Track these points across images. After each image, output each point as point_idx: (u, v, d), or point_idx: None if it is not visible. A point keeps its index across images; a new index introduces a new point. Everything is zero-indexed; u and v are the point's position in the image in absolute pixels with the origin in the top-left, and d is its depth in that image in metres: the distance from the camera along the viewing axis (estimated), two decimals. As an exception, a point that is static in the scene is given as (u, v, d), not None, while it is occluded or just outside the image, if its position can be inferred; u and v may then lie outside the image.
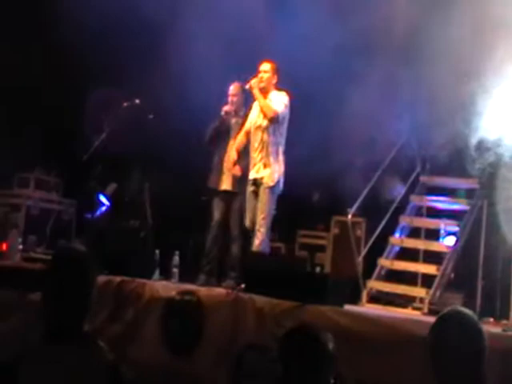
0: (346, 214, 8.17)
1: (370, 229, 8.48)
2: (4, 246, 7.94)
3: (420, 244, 8.00)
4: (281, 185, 7.14)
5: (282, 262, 6.92)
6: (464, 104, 7.06)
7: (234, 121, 7.70)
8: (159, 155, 8.50)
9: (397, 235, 8.07)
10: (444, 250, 7.65)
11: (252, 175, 7.19)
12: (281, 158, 7.16)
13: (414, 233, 8.17)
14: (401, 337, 5.38)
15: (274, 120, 7.07)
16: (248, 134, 7.34)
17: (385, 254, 7.96)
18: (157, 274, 7.31)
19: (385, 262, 7.86)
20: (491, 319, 6.87)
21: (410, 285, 7.62)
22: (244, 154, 7.39)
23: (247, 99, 7.56)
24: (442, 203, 8.15)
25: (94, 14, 8.16)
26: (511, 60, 6.77)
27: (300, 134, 7.54)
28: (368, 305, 7.27)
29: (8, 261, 7.66)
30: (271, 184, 7.07)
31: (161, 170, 8.59)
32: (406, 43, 7.46)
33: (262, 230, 7.02)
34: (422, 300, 7.30)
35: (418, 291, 7.50)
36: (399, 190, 8.34)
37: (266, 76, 7.18)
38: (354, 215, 8.16)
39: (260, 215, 7.03)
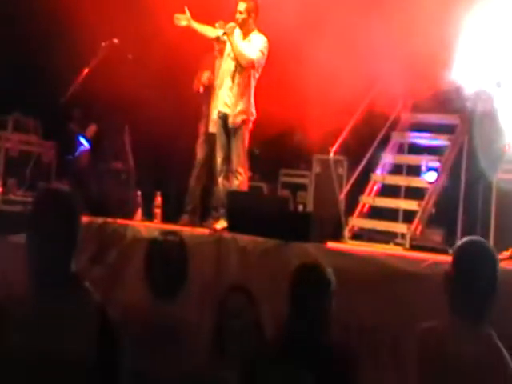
0: (327, 153, 8.16)
1: (351, 167, 8.47)
2: (-17, 189, 7.90)
3: (401, 180, 8.02)
4: (250, 124, 7.10)
5: (265, 201, 6.94)
6: (444, 41, 7.03)
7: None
8: (139, 96, 8.41)
9: (378, 172, 8.08)
10: (425, 185, 7.67)
11: (221, 108, 7.11)
12: (252, 100, 7.09)
13: (396, 169, 8.18)
14: (385, 273, 5.43)
15: (248, 67, 7.00)
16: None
17: (367, 191, 7.97)
18: (139, 214, 7.31)
19: (367, 199, 7.89)
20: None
21: (391, 221, 7.67)
22: None
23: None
24: (423, 139, 8.15)
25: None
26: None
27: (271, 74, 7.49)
28: (350, 242, 7.32)
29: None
30: (241, 123, 7.01)
31: (141, 111, 8.51)
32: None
33: (241, 169, 7.00)
34: (403, 236, 7.36)
35: (400, 227, 7.55)
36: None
37: (241, 17, 7.04)
38: (335, 153, 8.15)
39: (235, 155, 7.00)
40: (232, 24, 7.02)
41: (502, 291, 3.23)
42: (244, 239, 6.05)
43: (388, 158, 8.15)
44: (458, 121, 7.79)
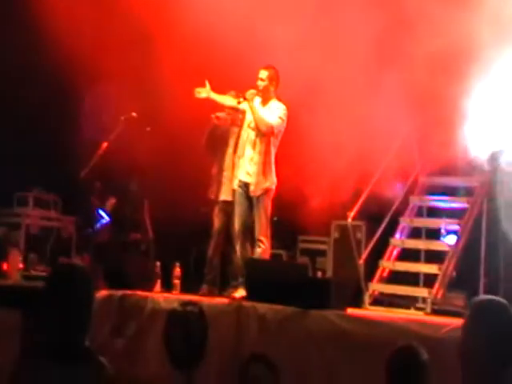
0: (345, 218, 8.16)
1: (370, 231, 8.44)
2: (5, 266, 7.94)
3: (421, 244, 7.97)
4: (272, 192, 7.14)
5: (284, 269, 6.91)
6: (461, 105, 7.11)
7: (231, 129, 7.69)
8: (157, 167, 8.51)
9: (397, 236, 8.05)
10: (445, 248, 7.61)
11: (242, 177, 7.14)
12: (273, 167, 7.14)
13: (415, 233, 8.14)
14: (406, 338, 5.35)
15: (267, 133, 7.06)
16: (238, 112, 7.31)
17: (386, 255, 7.93)
18: (158, 285, 7.30)
19: (386, 264, 7.84)
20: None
21: (412, 285, 7.60)
22: None
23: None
24: (441, 202, 8.13)
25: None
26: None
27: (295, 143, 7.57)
28: (371, 307, 7.25)
29: (9, 280, 7.66)
30: (260, 193, 7.05)
31: (161, 182, 8.60)
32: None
33: (263, 238, 7.02)
34: (424, 300, 7.27)
35: (421, 291, 7.47)
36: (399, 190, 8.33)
37: (262, 84, 7.10)
38: (353, 218, 8.14)
39: (258, 224, 7.03)
40: (253, 91, 7.08)
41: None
42: (263, 307, 6.01)
43: (407, 221, 8.13)
44: (477, 183, 7.77)
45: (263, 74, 7.11)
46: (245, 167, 7.13)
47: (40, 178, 9.40)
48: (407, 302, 7.25)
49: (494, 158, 7.31)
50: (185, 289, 7.36)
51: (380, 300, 7.51)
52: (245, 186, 7.12)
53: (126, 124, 8.01)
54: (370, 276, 7.74)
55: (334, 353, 5.59)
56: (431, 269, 7.53)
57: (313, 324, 5.73)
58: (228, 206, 7.53)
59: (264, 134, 7.05)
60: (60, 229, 9.35)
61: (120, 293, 6.60)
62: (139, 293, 6.66)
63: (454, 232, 7.71)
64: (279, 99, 7.20)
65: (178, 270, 7.33)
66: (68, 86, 8.90)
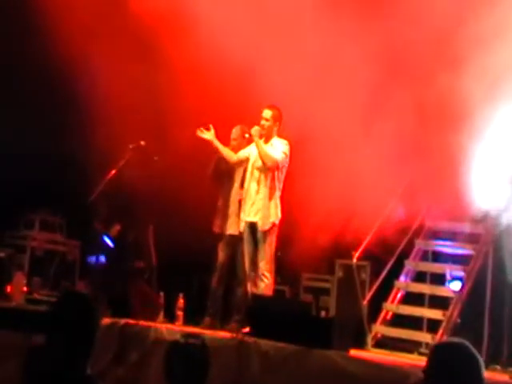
0: (350, 257, 8.15)
1: (374, 272, 8.43)
2: (9, 288, 7.93)
3: (425, 288, 7.95)
4: (276, 228, 7.18)
5: (287, 306, 6.90)
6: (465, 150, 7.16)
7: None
8: (163, 197, 8.53)
9: (402, 279, 8.03)
10: (450, 294, 7.59)
11: (248, 218, 7.20)
12: (278, 202, 7.18)
13: (420, 277, 8.12)
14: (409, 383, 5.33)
15: (272, 168, 7.14)
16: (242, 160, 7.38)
17: (390, 298, 7.90)
18: (161, 316, 7.28)
19: (390, 307, 7.81)
20: (498, 367, 6.80)
21: (415, 329, 7.56)
22: None
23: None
24: (447, 248, 8.11)
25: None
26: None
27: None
28: (374, 350, 7.20)
29: (12, 302, 7.64)
30: (268, 228, 7.10)
31: (165, 212, 8.61)
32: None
33: (267, 273, 7.03)
34: (428, 345, 7.23)
35: (424, 336, 7.44)
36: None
37: (267, 124, 7.21)
38: (358, 258, 8.13)
39: (261, 260, 7.05)
40: (257, 127, 7.19)
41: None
42: (266, 344, 5.99)
43: (412, 265, 8.12)
44: (482, 230, 7.76)
45: (267, 113, 7.22)
46: (250, 205, 7.20)
47: (46, 201, 9.42)
48: (411, 346, 7.20)
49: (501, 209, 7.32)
50: (187, 320, 7.34)
51: (383, 342, 7.47)
52: (251, 225, 7.20)
53: (134, 152, 8.05)
54: (373, 317, 7.71)
55: (335, 394, 5.56)
56: (436, 314, 7.49)
57: (315, 363, 5.70)
58: (234, 240, 7.57)
59: (269, 168, 7.13)
60: (65, 252, 9.35)
61: (123, 321, 6.58)
62: (142, 322, 6.64)
63: (459, 278, 7.69)
64: (280, 136, 7.32)
65: (181, 302, 7.31)
66: (79, 111, 8.98)
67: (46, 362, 2.94)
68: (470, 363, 2.96)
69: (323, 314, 8.62)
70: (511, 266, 6.97)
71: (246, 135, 7.28)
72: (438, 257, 8.24)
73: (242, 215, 7.29)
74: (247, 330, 6.59)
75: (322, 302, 9.02)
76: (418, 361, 6.61)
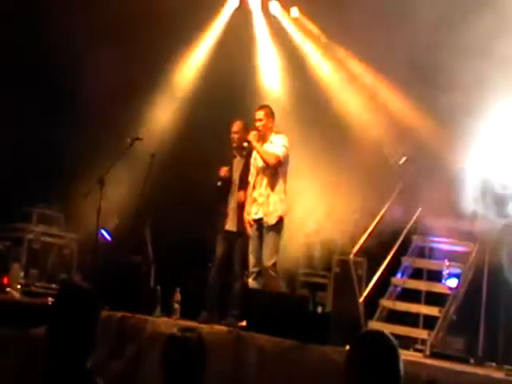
0: (347, 254, 8.16)
1: (371, 269, 8.44)
2: (5, 280, 7.93)
3: (422, 285, 7.97)
4: (282, 221, 7.20)
5: (284, 301, 6.91)
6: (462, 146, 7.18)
7: (236, 159, 7.80)
8: (162, 192, 8.54)
9: (399, 276, 8.05)
10: (446, 291, 7.61)
11: (253, 215, 7.26)
12: (283, 196, 7.22)
13: (416, 274, 8.14)
14: (404, 380, 5.32)
15: (276, 165, 7.21)
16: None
17: (386, 294, 7.92)
18: (158, 309, 7.28)
19: (386, 303, 7.83)
20: (493, 364, 6.82)
21: (412, 326, 7.57)
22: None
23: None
24: (444, 245, 8.13)
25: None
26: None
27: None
28: (369, 346, 7.19)
29: (9, 295, 7.64)
30: (274, 222, 7.12)
31: (163, 206, 8.61)
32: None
33: (272, 267, 7.06)
34: (423, 342, 7.25)
35: (420, 333, 7.46)
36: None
37: (261, 124, 7.32)
38: (355, 255, 8.15)
39: (267, 255, 7.07)
40: (254, 132, 7.31)
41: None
42: (263, 338, 6.00)
43: (409, 261, 8.13)
44: (481, 227, 7.76)
45: (259, 114, 7.37)
46: (254, 204, 7.27)
47: (44, 195, 9.42)
48: (407, 342, 7.21)
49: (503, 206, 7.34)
50: (184, 314, 7.34)
51: (379, 339, 7.46)
52: (257, 222, 7.24)
53: (132, 146, 8.04)
54: (369, 313, 7.72)
55: (330, 389, 5.56)
56: (432, 311, 7.52)
57: (311, 358, 5.71)
58: (231, 236, 7.62)
59: (273, 165, 7.18)
60: (62, 246, 9.35)
61: (119, 314, 6.58)
62: (139, 316, 6.64)
63: (456, 275, 7.71)
64: (277, 132, 7.39)
65: (178, 295, 7.31)
66: (78, 104, 8.99)
67: (47, 355, 2.93)
68: (386, 353, 2.92)
69: (320, 309, 8.63)
70: (508, 263, 6.97)
71: (245, 144, 7.39)
72: (434, 253, 8.25)
73: (245, 215, 7.35)
74: (244, 324, 6.60)
75: (318, 298, 9.02)
76: (414, 357, 6.64)
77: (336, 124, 8.78)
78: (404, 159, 8.51)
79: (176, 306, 7.26)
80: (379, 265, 8.04)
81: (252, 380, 5.79)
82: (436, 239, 8.21)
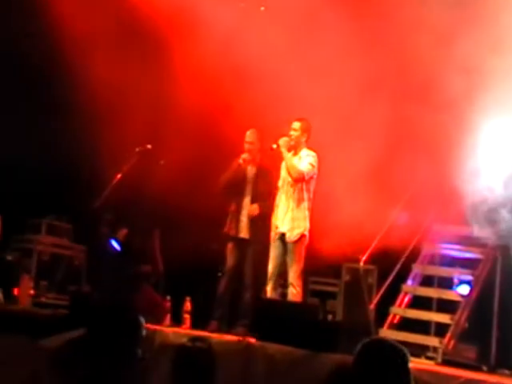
0: (357, 261, 8.12)
1: (381, 276, 8.39)
2: (16, 291, 7.94)
3: (433, 292, 7.91)
4: (307, 239, 7.22)
5: (294, 309, 6.88)
6: (474, 155, 7.14)
7: (249, 168, 7.76)
8: (171, 201, 8.53)
9: (409, 283, 7.99)
10: (457, 298, 7.55)
11: (279, 228, 7.25)
12: (307, 213, 7.21)
13: (427, 281, 8.08)
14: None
15: (298, 180, 7.19)
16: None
17: (397, 302, 7.87)
18: (168, 319, 7.27)
19: (397, 311, 7.77)
20: (506, 371, 6.76)
21: (423, 334, 7.52)
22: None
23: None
24: (455, 252, 8.08)
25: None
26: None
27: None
28: (381, 354, 7.15)
29: (19, 306, 7.64)
30: (297, 239, 7.15)
31: (172, 216, 8.60)
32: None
33: (296, 283, 7.12)
34: (435, 350, 7.20)
35: (432, 340, 7.40)
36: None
37: (295, 134, 7.28)
38: (365, 262, 8.11)
39: (292, 269, 7.10)
40: (286, 138, 7.27)
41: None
42: (273, 347, 5.97)
43: (419, 268, 8.08)
44: (491, 234, 7.71)
45: (296, 125, 7.31)
46: (281, 215, 7.26)
47: (53, 206, 9.43)
48: (418, 350, 7.16)
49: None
50: (194, 324, 7.33)
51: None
52: (281, 234, 7.24)
53: (141, 156, 8.05)
54: (380, 321, 7.68)
55: (341, 398, 5.52)
56: (443, 318, 7.45)
57: (322, 367, 5.65)
58: (243, 244, 7.59)
59: (295, 180, 7.18)
60: (71, 257, 9.37)
61: (129, 325, 6.54)
62: (148, 326, 6.61)
63: (467, 282, 7.65)
64: (309, 148, 7.36)
65: (188, 305, 7.30)
66: (84, 114, 9.00)
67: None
68: (395, 359, 2.89)
69: (330, 317, 8.60)
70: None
71: (274, 146, 7.30)
72: (445, 261, 8.20)
73: (272, 227, 7.34)
74: (254, 333, 6.58)
75: (328, 306, 8.98)
76: (427, 365, 6.58)
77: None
78: None
79: (186, 315, 7.25)
80: (390, 272, 7.98)
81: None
82: (447, 246, 8.16)
